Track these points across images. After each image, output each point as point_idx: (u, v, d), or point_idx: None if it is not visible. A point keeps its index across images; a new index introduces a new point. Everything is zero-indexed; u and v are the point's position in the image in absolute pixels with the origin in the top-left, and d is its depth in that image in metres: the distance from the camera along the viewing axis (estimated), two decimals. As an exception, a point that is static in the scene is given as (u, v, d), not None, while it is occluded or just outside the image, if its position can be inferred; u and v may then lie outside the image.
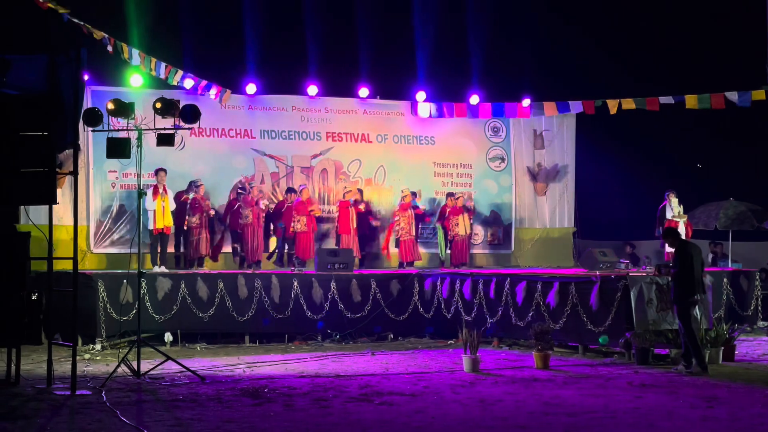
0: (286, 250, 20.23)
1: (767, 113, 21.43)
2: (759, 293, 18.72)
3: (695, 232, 21.28)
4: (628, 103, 21.72)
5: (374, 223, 21.69)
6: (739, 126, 23.84)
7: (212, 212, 19.61)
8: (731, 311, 17.90)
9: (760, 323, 18.70)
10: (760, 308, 18.72)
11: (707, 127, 24.04)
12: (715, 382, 12.63)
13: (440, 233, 21.87)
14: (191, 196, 19.18)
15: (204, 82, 20.13)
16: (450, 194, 21.88)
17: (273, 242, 20.71)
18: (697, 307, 13.74)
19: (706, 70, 23.16)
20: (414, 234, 21.28)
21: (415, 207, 21.37)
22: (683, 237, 14.38)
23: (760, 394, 11.63)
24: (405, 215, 21.18)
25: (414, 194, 21.60)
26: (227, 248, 20.37)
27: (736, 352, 15.03)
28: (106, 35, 18.19)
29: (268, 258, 20.38)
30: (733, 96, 20.94)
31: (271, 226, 20.46)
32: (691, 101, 21.35)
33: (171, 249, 19.43)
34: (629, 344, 14.53)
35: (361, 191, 21.60)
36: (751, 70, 21.18)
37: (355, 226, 20.86)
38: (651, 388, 12.11)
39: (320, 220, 21.20)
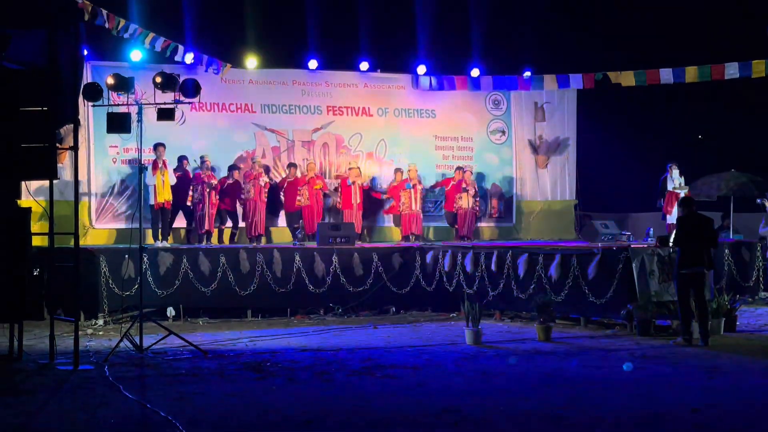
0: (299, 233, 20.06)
1: (768, 84, 21.32)
2: (761, 264, 18.72)
3: (696, 204, 21.20)
4: (628, 77, 21.60)
5: (375, 195, 21.76)
6: (741, 97, 23.73)
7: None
8: (733, 282, 17.90)
9: (762, 294, 18.70)
10: (761, 279, 18.73)
11: (708, 99, 23.92)
12: (716, 352, 12.65)
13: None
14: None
15: (205, 57, 20.07)
16: (459, 168, 21.87)
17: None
18: (699, 280, 13.69)
19: (706, 41, 22.99)
20: (417, 208, 21.28)
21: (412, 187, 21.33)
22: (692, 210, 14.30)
23: (761, 365, 11.67)
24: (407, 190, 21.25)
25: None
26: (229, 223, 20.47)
27: (738, 323, 15.06)
28: (105, 11, 18.06)
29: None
30: (733, 67, 20.81)
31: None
32: (691, 73, 21.24)
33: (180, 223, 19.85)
34: (631, 316, 14.55)
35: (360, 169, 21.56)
36: (752, 39, 21.01)
37: (358, 201, 20.90)
38: (652, 359, 12.13)
39: (325, 195, 21.23)
